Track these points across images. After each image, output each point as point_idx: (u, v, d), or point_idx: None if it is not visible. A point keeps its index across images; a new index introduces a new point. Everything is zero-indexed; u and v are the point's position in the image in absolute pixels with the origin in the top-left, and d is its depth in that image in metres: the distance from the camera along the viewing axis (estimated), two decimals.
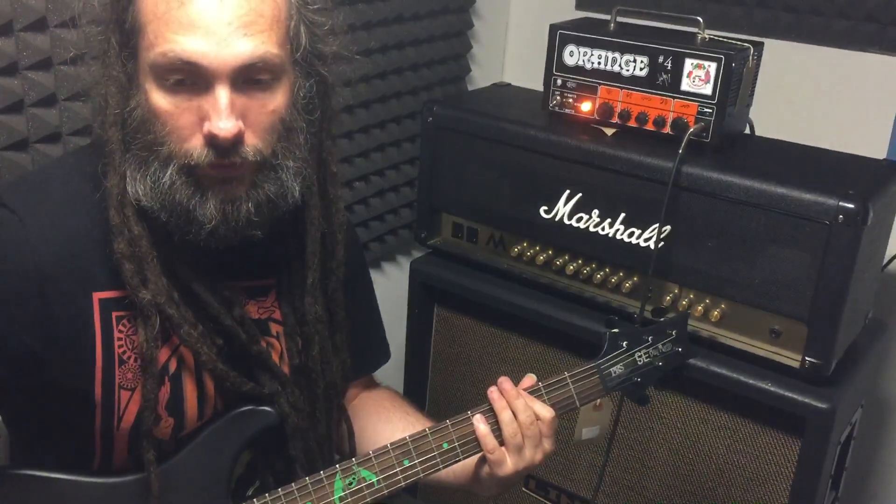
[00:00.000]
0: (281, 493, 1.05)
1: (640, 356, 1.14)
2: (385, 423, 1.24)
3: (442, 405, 1.79)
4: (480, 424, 1.08)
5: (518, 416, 1.08)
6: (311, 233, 1.08)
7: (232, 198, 0.96)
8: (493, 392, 1.10)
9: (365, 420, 1.24)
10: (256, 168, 0.96)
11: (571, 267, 1.54)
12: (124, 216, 0.96)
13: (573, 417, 1.21)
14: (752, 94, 1.51)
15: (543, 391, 1.11)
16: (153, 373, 0.99)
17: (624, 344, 1.14)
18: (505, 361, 1.69)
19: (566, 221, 1.52)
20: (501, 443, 1.08)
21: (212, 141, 0.92)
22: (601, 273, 1.52)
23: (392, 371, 1.44)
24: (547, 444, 1.10)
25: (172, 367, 1.03)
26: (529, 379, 1.13)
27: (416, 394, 1.82)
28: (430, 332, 1.80)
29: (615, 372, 1.13)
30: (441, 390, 1.81)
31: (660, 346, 1.15)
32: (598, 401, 1.17)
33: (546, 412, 1.09)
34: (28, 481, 1.02)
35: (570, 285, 1.56)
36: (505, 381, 1.10)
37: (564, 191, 1.51)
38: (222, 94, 0.91)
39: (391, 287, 2.03)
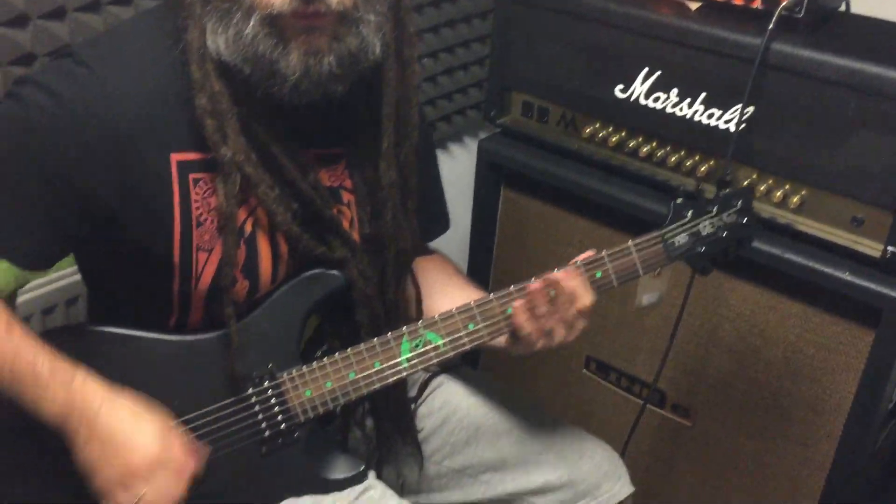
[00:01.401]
0: (350, 353, 1.08)
1: (704, 226, 1.13)
2: (442, 286, 1.25)
3: (505, 287, 1.80)
4: (521, 313, 1.08)
5: (556, 300, 1.07)
6: (387, 95, 1.06)
7: (315, 50, 0.94)
8: (533, 284, 1.09)
9: (421, 280, 1.24)
10: (338, 19, 0.94)
11: (645, 149, 1.50)
12: (205, 71, 0.95)
13: (632, 287, 1.22)
14: None
15: (607, 259, 1.10)
16: (233, 230, 1.00)
17: (688, 214, 1.12)
18: (571, 245, 1.67)
19: (642, 101, 1.47)
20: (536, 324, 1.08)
21: None
22: (676, 156, 1.47)
23: (457, 253, 1.44)
24: (581, 324, 1.10)
25: (248, 229, 1.04)
26: (590, 251, 1.12)
27: (480, 276, 1.83)
28: (496, 213, 1.79)
29: (679, 241, 1.12)
30: (505, 272, 1.81)
31: (724, 216, 1.13)
32: (658, 269, 1.16)
33: (586, 299, 1.08)
34: (106, 338, 1.06)
35: (643, 168, 1.53)
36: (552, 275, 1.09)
37: (642, 69, 1.45)
38: None
39: (457, 168, 2.02)
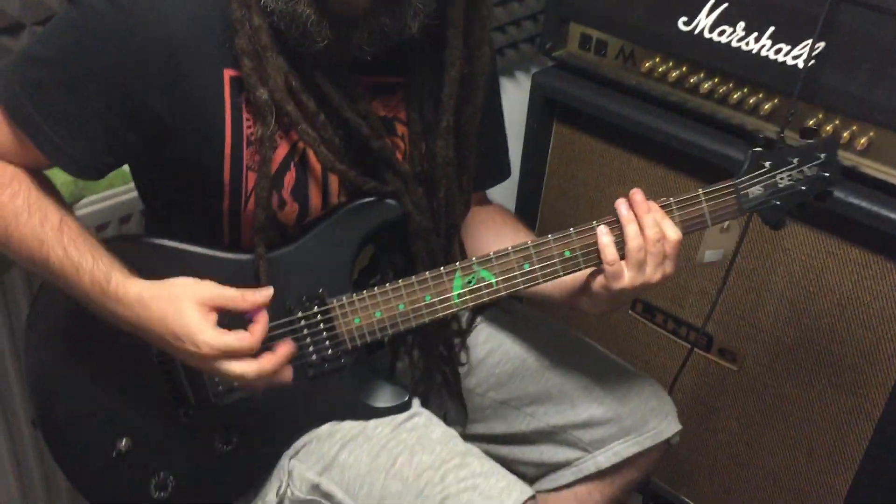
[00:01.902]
0: (401, 284, 1.07)
1: (782, 178, 1.07)
2: (494, 235, 1.23)
3: (553, 225, 1.78)
4: (604, 235, 1.05)
5: (644, 230, 1.03)
6: (451, 74, 1.02)
7: (347, 22, 0.93)
8: (621, 203, 1.05)
9: (473, 231, 1.23)
10: None
11: (706, 85, 1.45)
12: (247, 7, 0.94)
13: (696, 238, 1.17)
14: None
15: (674, 207, 1.06)
16: (266, 173, 0.99)
17: (767, 164, 1.06)
18: (623, 184, 1.64)
19: (706, 35, 1.41)
20: (622, 257, 1.05)
21: None
22: (739, 93, 1.42)
23: (505, 189, 1.42)
24: (668, 266, 1.05)
25: (298, 153, 1.03)
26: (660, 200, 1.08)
27: (527, 212, 1.81)
28: (547, 149, 1.75)
29: (753, 192, 1.07)
30: (553, 210, 1.79)
31: (805, 169, 1.07)
32: (727, 223, 1.12)
33: (674, 233, 1.04)
34: (160, 250, 1.06)
35: (703, 105, 1.48)
36: (636, 193, 1.05)
37: (708, 0, 1.39)
38: None
39: (507, 103, 1.97)
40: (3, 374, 1.39)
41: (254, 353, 0.97)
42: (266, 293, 0.99)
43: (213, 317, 0.95)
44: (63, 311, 1.03)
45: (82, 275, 0.96)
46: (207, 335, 0.94)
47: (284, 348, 1.00)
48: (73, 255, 0.96)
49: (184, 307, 0.94)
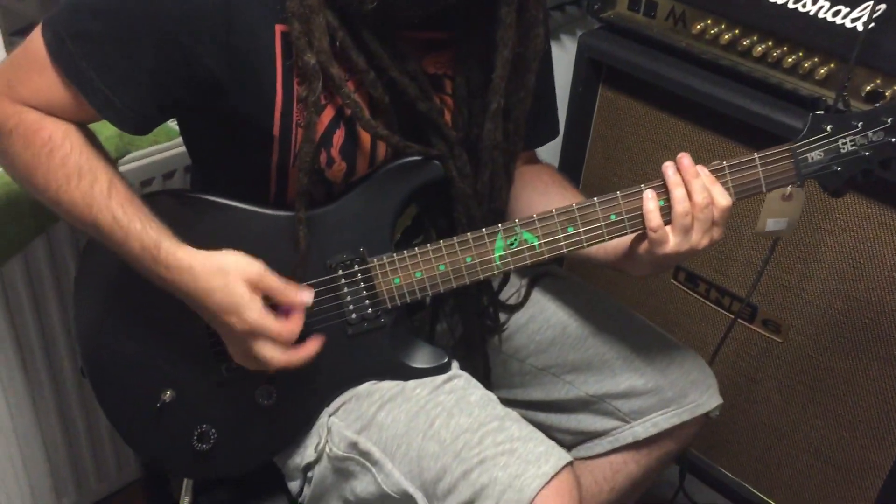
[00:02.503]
0: (442, 245, 1.06)
1: (844, 143, 1.02)
2: (541, 195, 1.21)
3: (596, 190, 1.73)
4: (650, 201, 1.03)
5: (693, 196, 1.01)
6: (503, 55, 1.01)
7: None
8: (668, 167, 1.03)
9: (520, 191, 1.21)
10: None
11: (760, 48, 1.41)
12: None
13: (754, 207, 1.13)
14: None
15: (727, 171, 1.03)
16: (310, 137, 0.98)
17: (828, 128, 1.02)
18: (669, 149, 1.60)
19: None
20: (668, 222, 1.03)
21: None
22: (793, 56, 1.38)
23: (548, 152, 1.40)
24: (716, 232, 1.03)
25: (348, 111, 1.02)
26: (715, 163, 1.05)
27: (570, 177, 1.76)
28: (592, 112, 1.72)
29: (812, 158, 1.03)
30: (597, 174, 1.76)
31: (870, 133, 1.02)
32: (789, 189, 1.08)
33: (723, 199, 1.01)
34: (205, 205, 1.07)
35: (755, 69, 1.43)
36: (684, 157, 1.02)
37: None
38: None
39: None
40: (49, 326, 1.42)
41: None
42: (307, 296, 1.01)
43: (260, 296, 0.98)
44: (111, 265, 1.04)
45: (132, 240, 0.97)
46: (255, 313, 0.97)
47: (313, 346, 1.03)
48: (121, 220, 0.97)
49: (233, 282, 0.97)
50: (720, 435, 1.73)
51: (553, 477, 0.99)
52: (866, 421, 1.51)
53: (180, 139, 1.35)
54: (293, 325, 0.99)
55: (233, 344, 1.02)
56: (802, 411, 1.60)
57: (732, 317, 1.54)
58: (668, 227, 1.02)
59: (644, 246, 1.05)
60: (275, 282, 0.99)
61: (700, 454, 1.80)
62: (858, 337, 1.47)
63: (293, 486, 1.17)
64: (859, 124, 1.03)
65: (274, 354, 0.99)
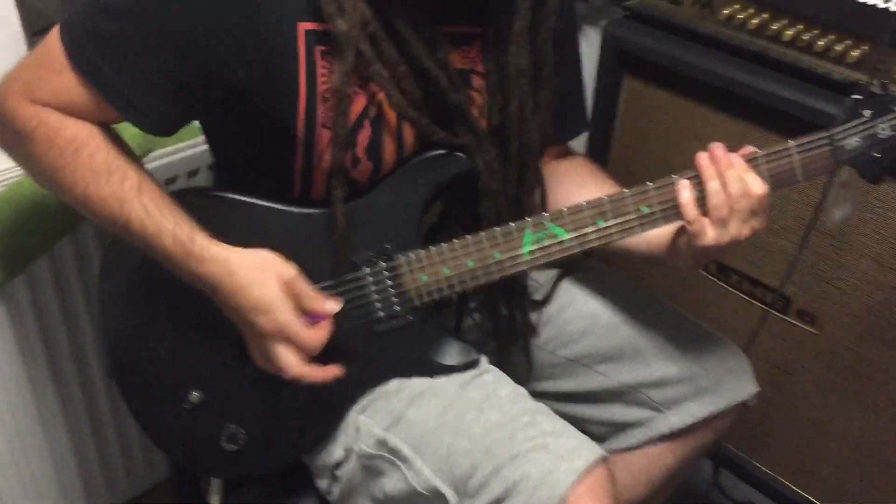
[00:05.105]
0: (470, 241, 1.04)
1: (884, 128, 0.99)
2: (578, 187, 1.19)
3: (624, 183, 1.70)
4: (684, 191, 1.00)
5: (728, 186, 0.98)
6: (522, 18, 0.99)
7: None
8: (702, 157, 1.01)
9: (556, 185, 1.19)
10: None
11: (790, 32, 1.37)
12: None
13: (785, 194, 1.11)
14: None
15: (761, 160, 1.01)
16: (344, 110, 0.97)
17: (867, 113, 0.99)
18: (699, 139, 1.57)
19: None
20: (705, 213, 1.01)
21: None
22: (824, 40, 1.34)
23: (574, 146, 1.37)
24: (757, 222, 1.01)
25: (373, 112, 1.00)
26: (747, 150, 1.03)
27: None
28: (617, 105, 1.69)
29: (850, 144, 1.00)
30: (624, 167, 1.73)
31: None
32: (846, 176, 1.05)
33: (759, 187, 0.99)
34: (229, 204, 1.06)
35: (786, 54, 1.40)
36: (717, 148, 1.00)
37: None
38: None
39: None
40: (77, 327, 1.42)
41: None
42: (335, 305, 1.00)
43: (292, 300, 0.97)
44: (136, 263, 1.04)
45: (164, 235, 0.96)
46: (287, 315, 0.96)
47: (333, 371, 1.02)
48: (154, 216, 0.96)
49: (269, 281, 0.96)
50: (756, 429, 1.70)
51: (586, 472, 0.98)
52: None
53: (202, 136, 1.35)
54: (320, 333, 0.99)
55: (255, 344, 1.01)
56: (841, 404, 1.56)
57: (766, 308, 1.51)
58: (705, 220, 1.00)
59: (683, 238, 1.03)
60: (306, 287, 0.98)
61: (735, 449, 1.77)
62: None
63: (322, 484, 1.16)
64: None
65: (293, 362, 0.98)
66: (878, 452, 1.54)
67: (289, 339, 0.97)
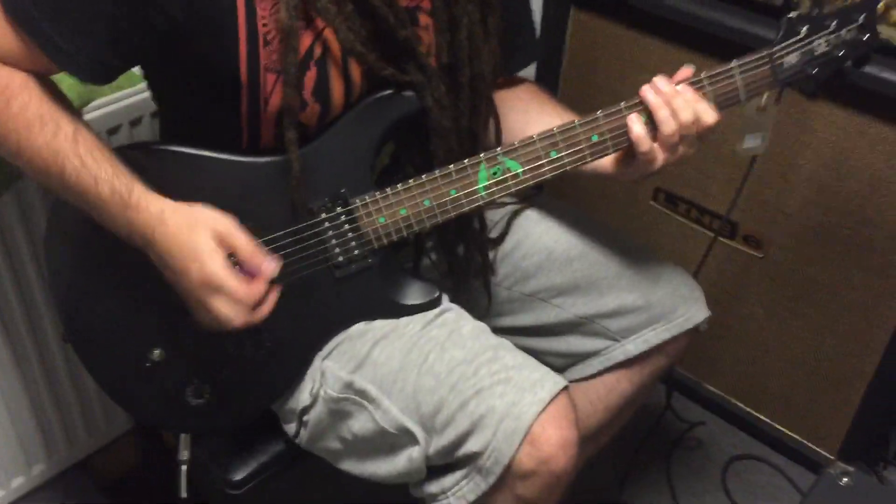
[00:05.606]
0: (425, 180, 1.04)
1: (818, 44, 1.02)
2: (520, 113, 1.19)
3: (573, 114, 1.73)
4: (636, 125, 1.02)
5: (679, 115, 1.00)
6: None
7: None
8: (646, 91, 1.02)
9: (508, 112, 1.18)
10: None
11: None
12: None
13: (729, 124, 1.13)
14: None
15: (706, 81, 1.02)
16: (293, 46, 0.95)
17: (803, 30, 1.02)
18: (646, 71, 1.55)
19: None
20: (654, 139, 1.02)
21: None
22: None
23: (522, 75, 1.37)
24: (702, 142, 1.03)
25: (318, 51, 0.98)
26: (687, 69, 1.04)
27: None
28: (564, 37, 1.69)
29: (788, 62, 1.02)
30: (573, 100, 1.73)
31: (843, 32, 1.02)
32: (763, 100, 1.08)
33: (710, 116, 1.01)
34: (175, 157, 1.03)
35: None
36: (660, 80, 1.02)
37: None
38: None
39: None
40: (28, 292, 1.39)
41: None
42: (272, 267, 0.98)
43: (224, 251, 0.95)
44: (82, 220, 1.01)
45: (101, 185, 0.94)
46: (214, 266, 0.94)
47: (271, 302, 1.00)
48: (90, 166, 0.94)
49: (199, 230, 0.94)
50: (706, 352, 1.76)
51: (550, 402, 1.00)
52: (850, 330, 1.54)
53: (144, 84, 1.31)
54: (254, 289, 0.96)
55: (191, 298, 0.98)
56: (786, 324, 1.62)
57: (713, 235, 1.55)
58: (656, 146, 1.02)
59: (632, 161, 1.06)
60: (243, 240, 0.96)
61: (686, 372, 1.83)
62: (840, 248, 1.48)
63: (289, 428, 1.17)
64: (832, 24, 1.02)
65: (230, 313, 0.96)
66: (823, 368, 1.60)
67: (219, 290, 0.94)
